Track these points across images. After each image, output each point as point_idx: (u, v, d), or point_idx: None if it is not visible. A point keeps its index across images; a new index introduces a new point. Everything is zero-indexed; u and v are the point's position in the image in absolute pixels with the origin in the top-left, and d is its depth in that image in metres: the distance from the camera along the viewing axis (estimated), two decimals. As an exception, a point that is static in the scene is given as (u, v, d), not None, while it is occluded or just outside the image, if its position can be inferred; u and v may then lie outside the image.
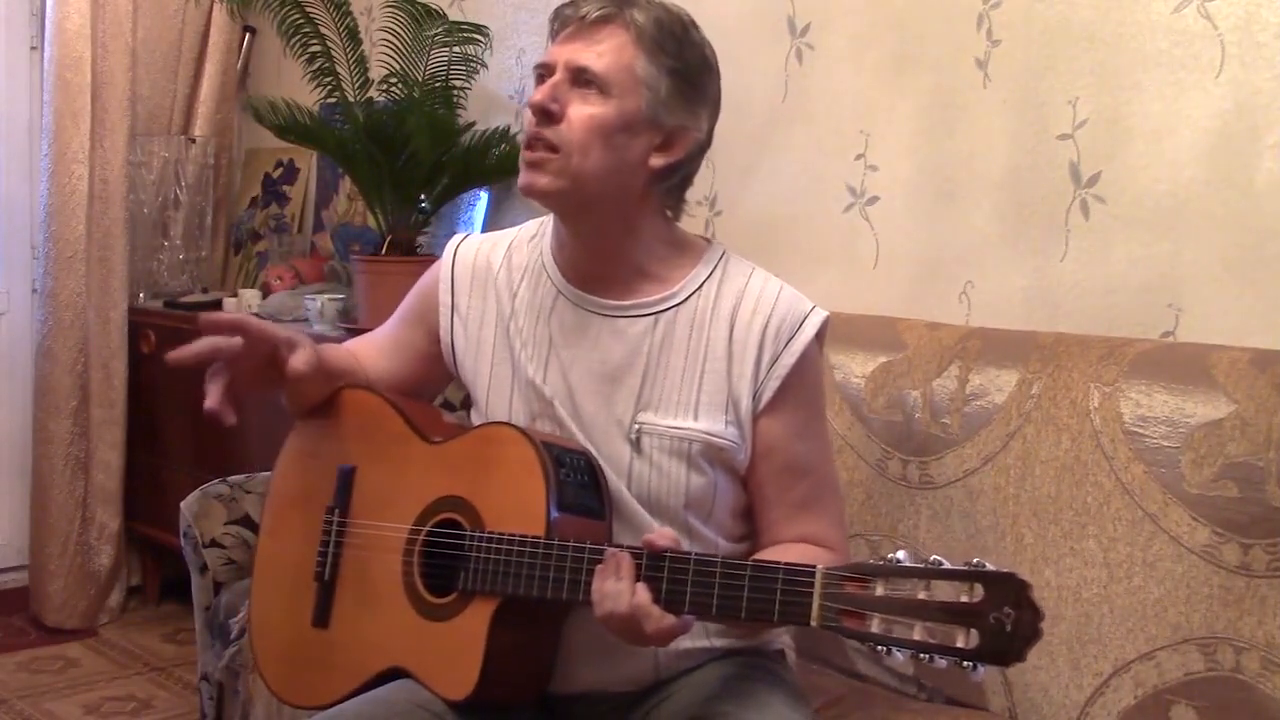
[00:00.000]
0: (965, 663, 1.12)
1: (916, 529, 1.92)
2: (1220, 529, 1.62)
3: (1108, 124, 2.04)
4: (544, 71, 1.49)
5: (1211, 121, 1.92)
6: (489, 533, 1.44)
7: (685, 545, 1.45)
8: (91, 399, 3.43)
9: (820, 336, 1.54)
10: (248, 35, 3.78)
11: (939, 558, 1.16)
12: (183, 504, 2.26)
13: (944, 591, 1.13)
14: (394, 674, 1.51)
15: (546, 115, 1.45)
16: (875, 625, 1.16)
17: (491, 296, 1.61)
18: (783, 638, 1.64)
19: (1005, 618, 1.10)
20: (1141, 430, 1.70)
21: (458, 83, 2.98)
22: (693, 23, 1.52)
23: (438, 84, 2.95)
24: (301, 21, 2.91)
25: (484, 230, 3.09)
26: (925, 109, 2.29)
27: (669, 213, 1.56)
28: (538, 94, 1.46)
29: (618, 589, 1.30)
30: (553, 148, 1.45)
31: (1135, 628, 1.66)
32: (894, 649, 1.15)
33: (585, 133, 1.44)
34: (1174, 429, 1.68)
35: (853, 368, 2.05)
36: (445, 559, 1.48)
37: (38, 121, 3.46)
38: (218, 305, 3.39)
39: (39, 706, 2.95)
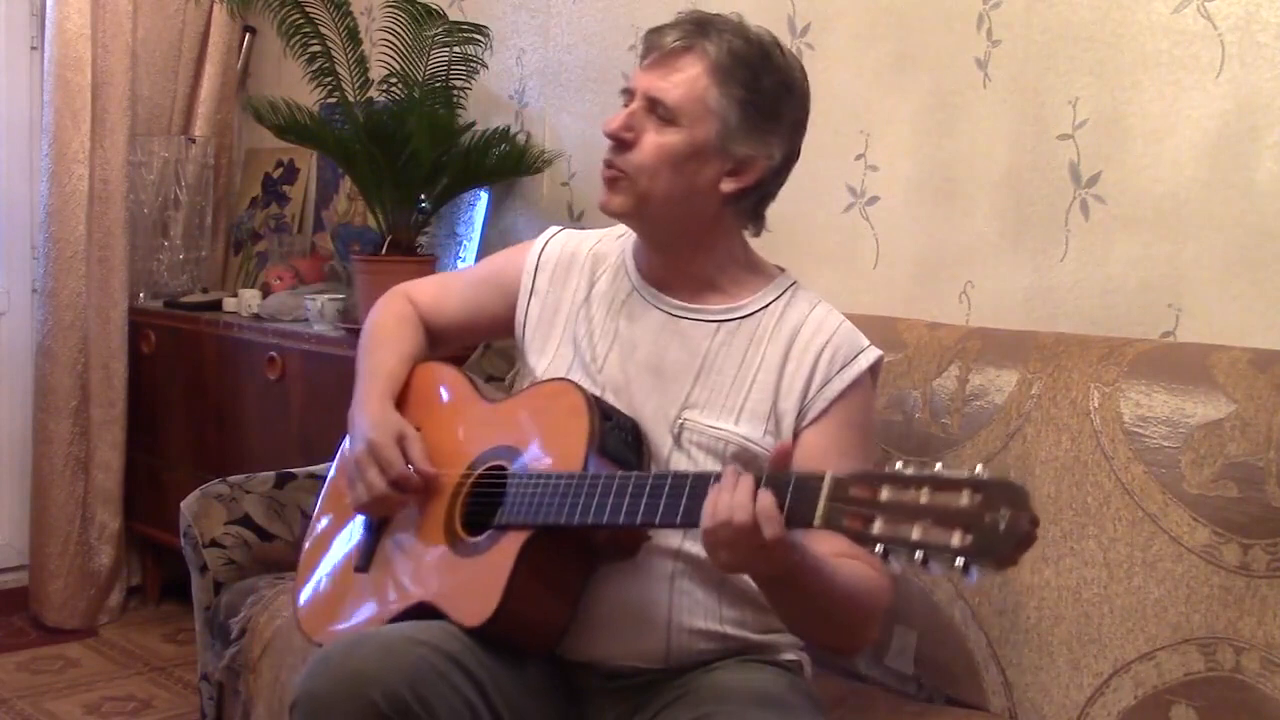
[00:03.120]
0: (958, 562, 1.13)
1: (916, 529, 1.92)
2: (1220, 529, 1.62)
3: (1108, 124, 2.04)
4: (627, 96, 1.56)
5: (1211, 121, 1.93)
6: (534, 475, 1.50)
7: None
8: (91, 399, 3.43)
9: (875, 374, 1.61)
10: (248, 35, 3.77)
11: (943, 465, 1.18)
12: (183, 504, 2.26)
13: (945, 498, 1.15)
14: (418, 612, 1.53)
15: (620, 143, 1.54)
16: (876, 527, 1.19)
17: (571, 285, 1.70)
18: (800, 651, 1.65)
19: (1000, 518, 1.11)
20: (1141, 430, 1.70)
21: (458, 83, 2.98)
22: (776, 45, 1.56)
23: (438, 84, 2.94)
24: (301, 21, 2.90)
25: (484, 229, 3.10)
26: (925, 109, 2.29)
27: (749, 229, 1.63)
28: (613, 121, 1.54)
29: (735, 500, 1.29)
30: (624, 171, 1.54)
31: (1135, 628, 1.66)
32: (890, 555, 1.17)
33: (655, 160, 1.52)
34: (1174, 429, 1.68)
35: (853, 368, 2.05)
36: (488, 501, 1.53)
37: (38, 121, 3.46)
38: (218, 305, 3.39)
39: (39, 706, 2.95)
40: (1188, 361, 1.72)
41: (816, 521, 1.24)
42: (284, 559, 2.27)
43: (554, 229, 1.79)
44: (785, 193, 2.38)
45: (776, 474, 1.31)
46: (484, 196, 3.13)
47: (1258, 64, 1.88)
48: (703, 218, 1.57)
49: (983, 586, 1.82)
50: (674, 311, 1.62)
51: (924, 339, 2.01)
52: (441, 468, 1.62)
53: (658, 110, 1.52)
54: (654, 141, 1.52)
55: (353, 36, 2.95)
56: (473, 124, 3.02)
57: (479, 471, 1.58)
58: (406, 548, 1.62)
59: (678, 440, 1.56)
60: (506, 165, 2.97)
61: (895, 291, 2.33)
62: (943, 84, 2.26)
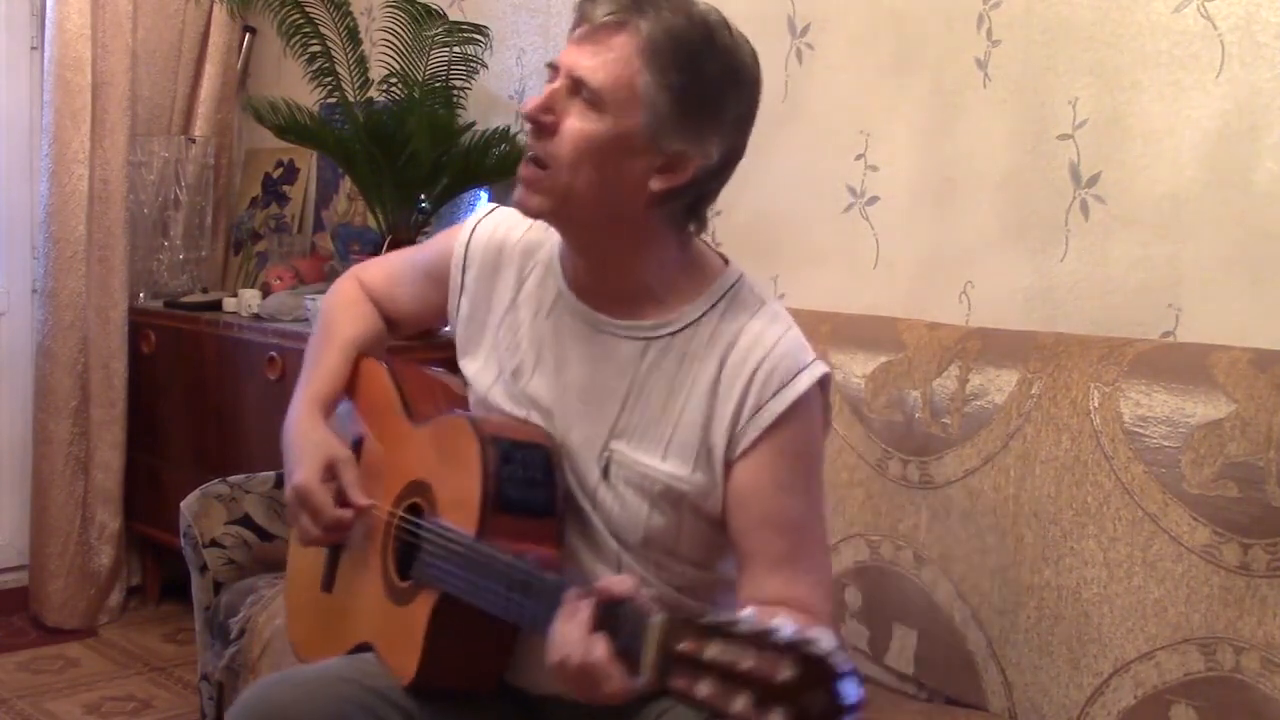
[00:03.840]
0: None
1: (917, 529, 1.92)
2: (1220, 529, 1.62)
3: (1108, 124, 2.04)
4: (551, 72, 1.39)
5: (1211, 121, 1.92)
6: (434, 526, 1.43)
7: (651, 578, 1.42)
8: (91, 399, 3.43)
9: (825, 390, 1.43)
10: (248, 35, 3.77)
11: (782, 621, 1.07)
12: (183, 504, 2.26)
13: (769, 666, 1.05)
14: (369, 647, 1.53)
15: (539, 127, 1.36)
16: (702, 690, 1.08)
17: (500, 283, 1.56)
18: None
19: (814, 703, 1.03)
20: (1141, 430, 1.70)
21: (458, 83, 2.98)
22: (724, 26, 1.37)
23: (438, 84, 2.95)
24: (301, 21, 2.91)
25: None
26: (925, 109, 2.29)
27: (691, 226, 1.44)
28: (530, 102, 1.37)
29: (571, 637, 1.19)
30: (543, 163, 1.36)
31: (1135, 628, 1.66)
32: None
33: (575, 150, 1.34)
34: (1174, 429, 1.68)
35: (853, 368, 2.05)
36: (411, 542, 1.48)
37: (38, 121, 3.46)
38: (218, 305, 3.39)
39: (39, 706, 2.95)
40: (1188, 361, 1.72)
41: (644, 674, 1.13)
42: (284, 559, 2.26)
43: (486, 208, 1.62)
44: (785, 193, 2.37)
45: (614, 607, 1.16)
46: (484, 196, 3.13)
47: (1258, 64, 1.88)
48: (629, 218, 1.38)
49: (982, 587, 1.82)
50: (600, 327, 1.46)
51: (924, 339, 2.00)
52: (377, 490, 1.55)
53: (582, 92, 1.33)
54: (575, 128, 1.34)
55: (353, 36, 2.96)
56: (473, 124, 3.02)
57: (399, 513, 1.51)
58: (357, 574, 1.57)
59: (605, 473, 1.43)
60: (506, 165, 2.97)
61: (895, 291, 2.33)
62: (943, 84, 2.26)
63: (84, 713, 2.93)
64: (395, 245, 2.91)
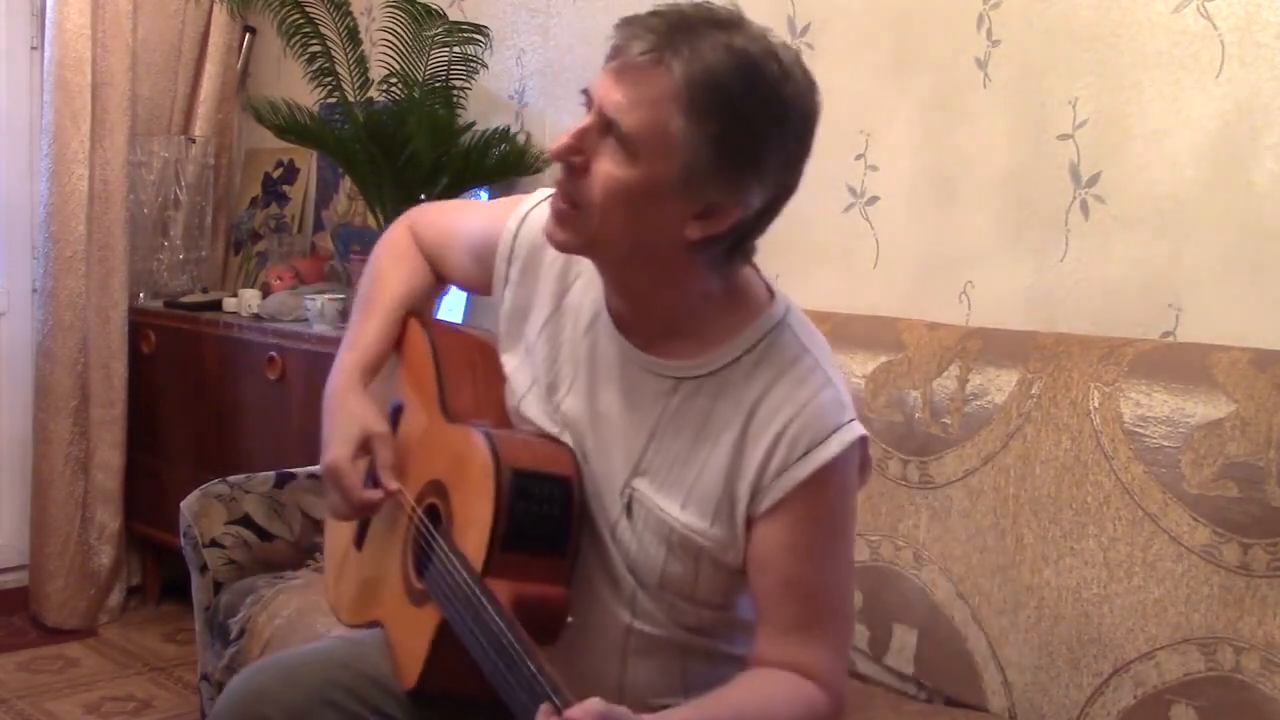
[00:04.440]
0: None
1: (916, 529, 1.92)
2: (1220, 529, 1.62)
3: (1108, 124, 2.04)
4: (586, 99, 1.31)
5: (1211, 121, 1.92)
6: (444, 548, 1.40)
7: (663, 618, 1.40)
8: (91, 399, 3.43)
9: (864, 448, 1.38)
10: (248, 35, 3.77)
11: None
12: (183, 504, 2.26)
13: None
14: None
15: (569, 168, 1.29)
16: None
17: (542, 286, 1.49)
18: None
19: None
20: (1141, 430, 1.70)
21: (458, 83, 2.98)
22: (771, 56, 1.26)
23: (438, 84, 2.95)
24: (301, 21, 2.91)
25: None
26: (925, 109, 2.29)
27: (736, 261, 1.36)
28: (560, 141, 1.28)
29: None
30: (575, 203, 1.29)
31: (1135, 628, 1.66)
32: None
33: (605, 195, 1.26)
34: (1174, 429, 1.68)
35: (853, 368, 2.05)
36: (425, 545, 1.46)
37: (38, 121, 3.46)
38: (218, 305, 3.39)
39: (39, 706, 2.95)
40: (1188, 361, 1.72)
41: None
42: (284, 559, 2.27)
43: (539, 195, 1.50)
44: (785, 193, 2.35)
45: None
46: (484, 196, 3.13)
47: (1258, 64, 1.88)
48: (663, 260, 1.31)
49: (982, 587, 1.82)
50: (632, 358, 1.39)
51: (924, 339, 2.01)
52: (407, 471, 1.52)
53: (614, 131, 1.25)
54: (605, 173, 1.26)
55: (353, 36, 2.96)
56: (473, 124, 3.02)
57: (419, 512, 1.47)
58: (383, 547, 1.56)
59: (628, 510, 1.38)
60: (506, 165, 2.97)
61: (895, 291, 2.33)
62: (943, 84, 2.26)
63: (84, 713, 2.93)
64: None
